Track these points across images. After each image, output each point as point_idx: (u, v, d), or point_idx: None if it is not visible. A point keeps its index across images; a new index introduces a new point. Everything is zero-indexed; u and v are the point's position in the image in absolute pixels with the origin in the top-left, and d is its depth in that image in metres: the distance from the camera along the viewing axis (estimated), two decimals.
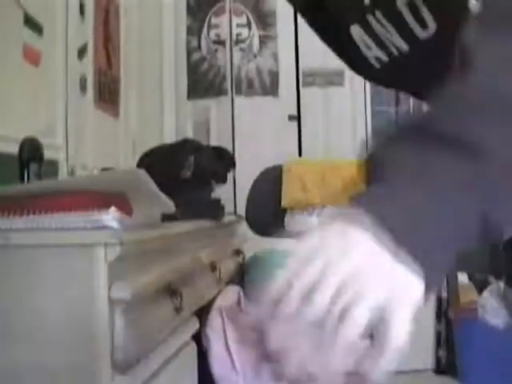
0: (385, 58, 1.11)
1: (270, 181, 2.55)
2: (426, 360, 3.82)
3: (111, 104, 3.29)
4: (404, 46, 1.09)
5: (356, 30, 1.10)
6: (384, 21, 1.06)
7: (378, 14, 1.06)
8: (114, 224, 1.13)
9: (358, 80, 2.56)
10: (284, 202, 2.45)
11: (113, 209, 1.13)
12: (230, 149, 3.14)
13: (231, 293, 1.99)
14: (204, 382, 1.80)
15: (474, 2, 0.97)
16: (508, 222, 0.67)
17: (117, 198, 1.17)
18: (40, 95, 2.43)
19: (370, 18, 1.07)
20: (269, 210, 2.46)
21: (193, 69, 3.95)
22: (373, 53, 1.12)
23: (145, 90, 3.82)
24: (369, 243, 0.60)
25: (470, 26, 0.79)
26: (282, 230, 2.48)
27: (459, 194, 0.62)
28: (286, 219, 2.46)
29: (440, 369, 3.81)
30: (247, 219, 2.43)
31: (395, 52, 1.10)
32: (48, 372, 1.10)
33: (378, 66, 1.12)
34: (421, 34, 1.09)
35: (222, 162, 2.24)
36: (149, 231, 1.32)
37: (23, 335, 1.11)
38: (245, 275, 2.20)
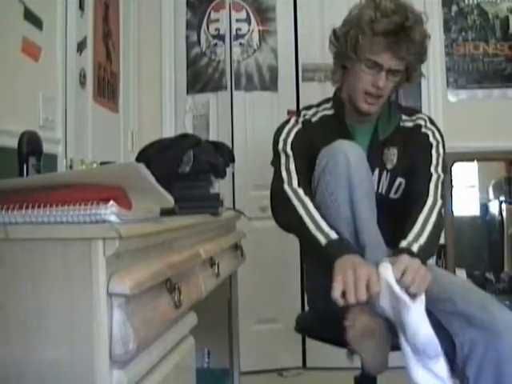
0: None
1: None
2: None
3: (110, 98, 3.29)
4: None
5: None
6: None
7: None
8: (113, 218, 1.13)
9: None
10: None
11: (112, 203, 1.13)
12: (229, 143, 3.14)
13: None
14: (201, 376, 1.80)
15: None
16: None
17: (116, 192, 1.17)
18: (39, 89, 2.43)
19: None
20: None
21: (192, 63, 3.95)
22: None
23: (144, 84, 3.82)
24: None
25: None
26: None
27: None
28: None
29: None
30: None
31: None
32: (46, 365, 1.10)
33: None
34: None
35: (221, 156, 2.24)
36: (148, 226, 1.32)
37: (21, 328, 1.11)
38: None
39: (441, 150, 2.07)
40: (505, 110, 3.79)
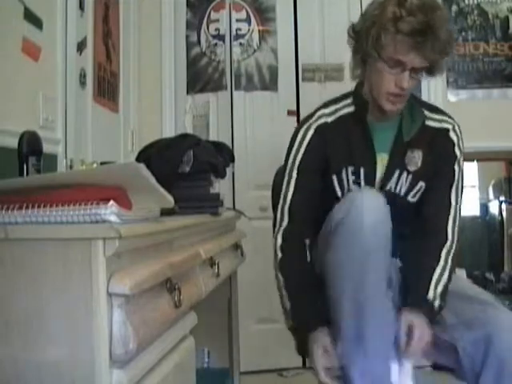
0: None
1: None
2: None
3: (110, 98, 3.29)
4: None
5: None
6: None
7: None
8: (113, 218, 1.13)
9: None
10: None
11: (112, 203, 1.13)
12: (229, 143, 3.14)
13: None
14: (201, 376, 1.80)
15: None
16: None
17: (116, 192, 1.17)
18: (39, 89, 2.43)
19: None
20: None
21: (192, 63, 3.95)
22: None
23: (144, 84, 3.82)
24: None
25: None
26: None
27: None
28: None
29: (439, 365, 3.80)
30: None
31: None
32: (46, 365, 1.10)
33: None
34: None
35: (221, 156, 2.24)
36: (148, 226, 1.32)
37: (21, 328, 1.11)
38: None
39: (461, 164, 2.06)
40: (505, 110, 3.79)
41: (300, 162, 2.02)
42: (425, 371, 3.78)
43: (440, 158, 2.02)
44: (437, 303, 1.81)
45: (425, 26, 1.76)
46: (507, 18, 3.86)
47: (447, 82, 3.86)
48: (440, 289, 1.83)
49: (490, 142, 3.67)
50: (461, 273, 3.95)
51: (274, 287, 3.85)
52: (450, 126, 2.05)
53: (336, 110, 2.05)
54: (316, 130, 2.03)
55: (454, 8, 3.88)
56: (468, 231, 4.14)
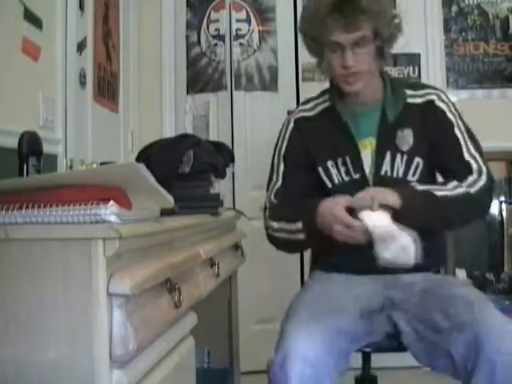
0: None
1: None
2: None
3: (110, 98, 3.29)
4: None
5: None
6: None
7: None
8: (113, 218, 1.13)
9: None
10: None
11: (112, 203, 1.13)
12: (229, 143, 3.14)
13: None
14: (201, 376, 1.80)
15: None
16: None
17: (116, 192, 1.17)
18: (39, 89, 2.43)
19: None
20: None
21: (192, 63, 3.95)
22: None
23: (144, 84, 3.82)
24: None
25: None
26: None
27: None
28: None
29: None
30: None
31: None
32: (46, 365, 1.10)
33: None
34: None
35: (221, 156, 2.24)
36: (148, 226, 1.32)
37: (21, 329, 1.11)
38: None
39: (462, 126, 1.99)
40: (505, 109, 3.79)
41: (284, 153, 2.09)
42: (424, 371, 3.78)
43: (435, 131, 1.99)
44: (416, 185, 1.87)
45: (336, 2, 1.81)
46: (507, 18, 3.86)
47: (447, 81, 3.86)
48: (424, 187, 1.85)
49: (490, 142, 3.64)
50: (461, 273, 3.95)
51: (274, 287, 3.84)
52: (434, 97, 2.02)
53: (316, 105, 2.12)
54: (295, 123, 2.11)
55: (454, 8, 3.87)
56: (468, 231, 4.14)
